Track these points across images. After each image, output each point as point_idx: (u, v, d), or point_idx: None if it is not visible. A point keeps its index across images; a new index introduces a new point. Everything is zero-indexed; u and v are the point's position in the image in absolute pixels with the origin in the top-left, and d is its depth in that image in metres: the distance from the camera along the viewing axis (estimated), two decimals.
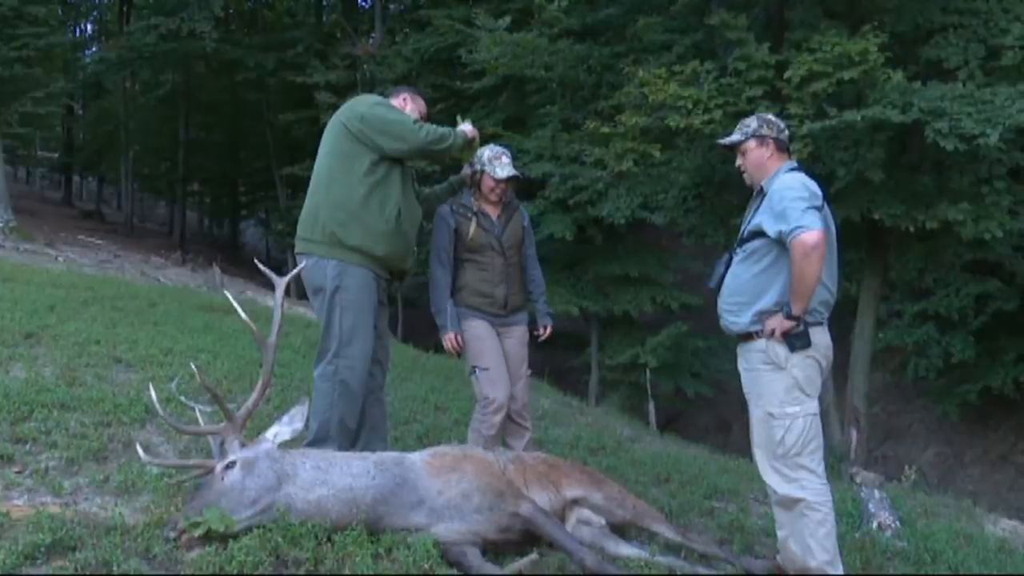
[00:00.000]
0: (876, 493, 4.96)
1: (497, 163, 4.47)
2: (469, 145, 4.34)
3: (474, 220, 4.45)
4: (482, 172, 4.48)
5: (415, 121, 4.04)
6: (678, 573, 3.45)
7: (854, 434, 10.89)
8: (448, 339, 4.43)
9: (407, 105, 4.28)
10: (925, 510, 5.34)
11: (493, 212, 4.54)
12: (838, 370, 11.75)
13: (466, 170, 4.55)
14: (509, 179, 4.50)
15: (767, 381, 3.44)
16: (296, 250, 4.06)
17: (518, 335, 4.58)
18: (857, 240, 11.43)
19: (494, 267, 4.46)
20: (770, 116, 3.68)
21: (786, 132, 3.63)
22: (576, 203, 13.51)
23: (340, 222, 3.90)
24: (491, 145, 4.62)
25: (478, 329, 4.48)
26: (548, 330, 4.73)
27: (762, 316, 3.44)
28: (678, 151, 11.84)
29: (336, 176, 3.97)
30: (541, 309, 4.78)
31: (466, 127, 4.31)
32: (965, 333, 13.27)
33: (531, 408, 4.82)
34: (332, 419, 3.88)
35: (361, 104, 4.08)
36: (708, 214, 12.26)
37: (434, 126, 4.08)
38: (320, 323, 4.02)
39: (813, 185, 3.41)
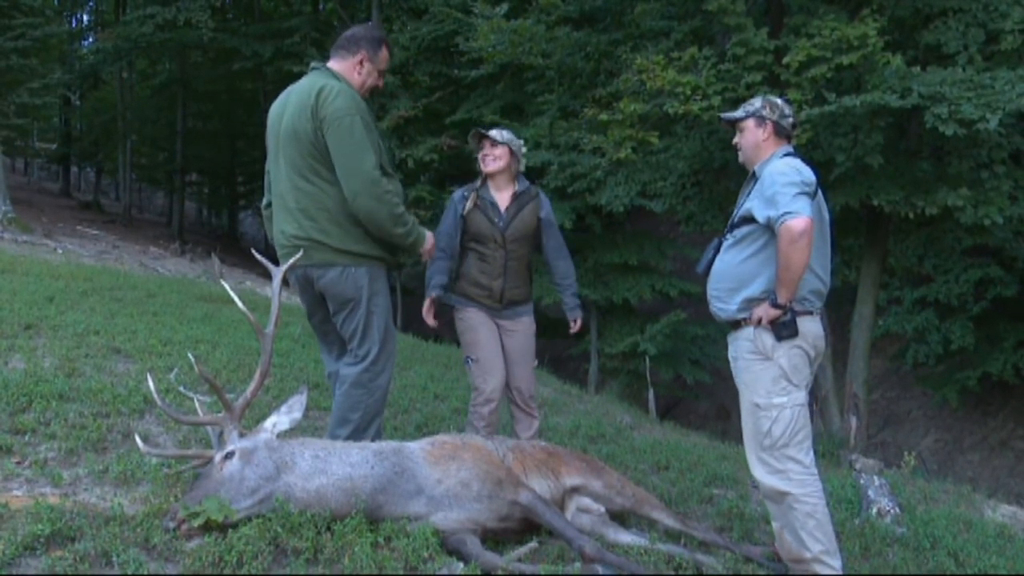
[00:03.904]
0: (875, 479, 4.97)
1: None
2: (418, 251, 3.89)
3: (479, 209, 4.42)
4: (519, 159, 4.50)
5: (375, 168, 3.51)
6: (678, 560, 3.46)
7: (853, 421, 10.90)
8: (425, 305, 4.48)
9: (363, 68, 3.76)
10: (924, 496, 5.35)
11: (503, 202, 4.47)
12: (837, 357, 11.78)
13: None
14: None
15: (754, 371, 3.40)
16: (311, 261, 3.64)
17: (522, 329, 4.52)
18: (856, 226, 11.43)
19: (495, 259, 4.41)
20: (777, 99, 3.62)
21: (790, 118, 3.57)
22: (575, 191, 13.47)
23: (356, 237, 3.62)
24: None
25: (473, 320, 4.48)
26: (578, 324, 4.64)
27: (750, 303, 3.39)
28: (676, 138, 11.81)
29: (323, 180, 3.61)
30: (569, 303, 4.67)
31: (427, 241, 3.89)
32: (964, 319, 13.26)
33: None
34: (361, 425, 3.73)
35: (327, 106, 3.52)
36: (706, 201, 12.24)
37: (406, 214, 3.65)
38: (348, 331, 3.75)
39: (807, 171, 3.35)
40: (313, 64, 3.85)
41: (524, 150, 4.60)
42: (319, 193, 3.63)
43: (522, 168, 4.60)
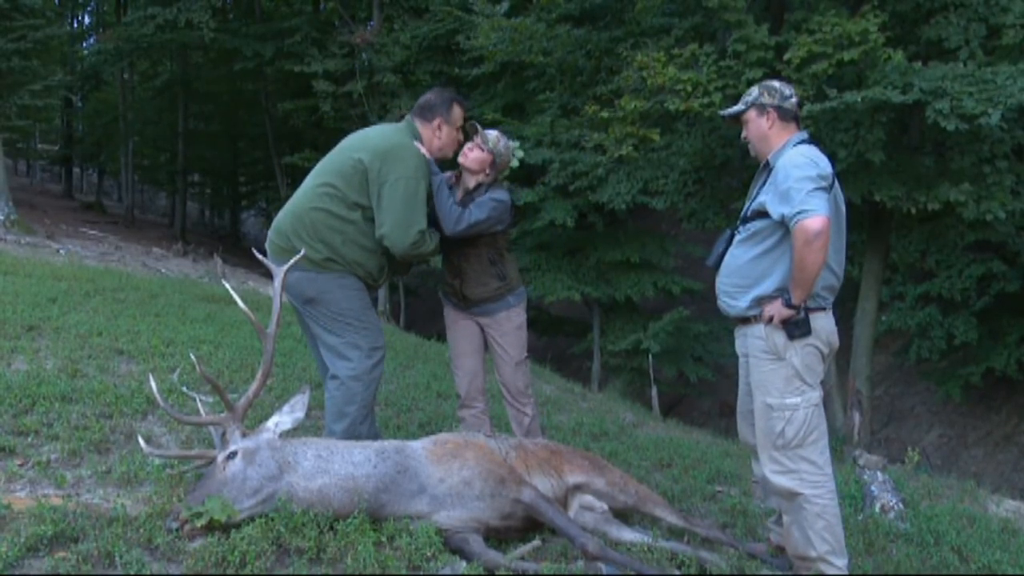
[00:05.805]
0: (879, 475, 4.97)
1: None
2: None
3: None
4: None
5: (420, 232, 3.77)
6: (681, 558, 3.45)
7: (857, 417, 10.90)
8: None
9: (441, 132, 4.00)
10: (928, 492, 5.34)
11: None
12: (841, 353, 11.66)
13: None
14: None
15: (766, 372, 3.28)
16: (284, 259, 3.75)
17: (495, 325, 4.36)
18: (859, 222, 11.41)
19: (450, 259, 4.33)
20: (774, 83, 3.46)
21: (793, 99, 3.40)
22: (576, 189, 13.47)
23: (322, 254, 3.78)
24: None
25: (448, 318, 4.49)
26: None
27: (761, 301, 3.28)
28: (678, 135, 11.80)
29: (329, 199, 3.79)
30: None
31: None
32: (967, 314, 13.25)
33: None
34: (358, 418, 3.82)
35: (395, 163, 3.77)
36: (708, 198, 12.22)
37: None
38: (325, 331, 3.86)
39: (824, 161, 3.19)
40: (408, 116, 4.06)
41: (516, 158, 4.37)
42: (317, 205, 3.82)
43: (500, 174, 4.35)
